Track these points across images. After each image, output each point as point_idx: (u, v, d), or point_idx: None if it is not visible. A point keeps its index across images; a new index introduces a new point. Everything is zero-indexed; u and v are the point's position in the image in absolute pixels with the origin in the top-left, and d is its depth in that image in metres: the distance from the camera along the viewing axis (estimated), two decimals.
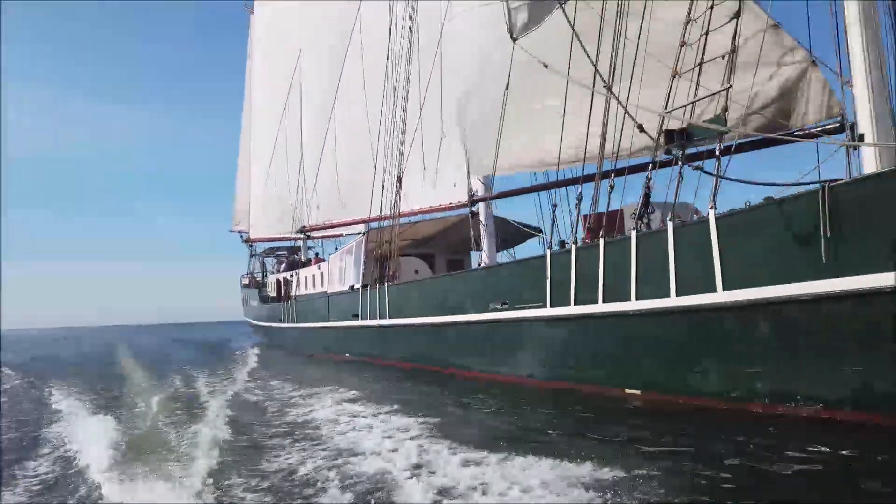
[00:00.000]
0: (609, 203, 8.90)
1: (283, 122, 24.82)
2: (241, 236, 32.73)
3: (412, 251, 18.77)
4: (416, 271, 17.58)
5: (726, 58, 7.34)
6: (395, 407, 8.14)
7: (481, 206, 15.19)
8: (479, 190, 15.15)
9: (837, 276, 5.61)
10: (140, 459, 5.77)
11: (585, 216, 9.69)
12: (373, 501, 4.30)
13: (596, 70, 7.64)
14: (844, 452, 4.90)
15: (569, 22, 7.15)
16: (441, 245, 19.01)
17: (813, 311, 5.88)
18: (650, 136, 7.56)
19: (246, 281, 33.53)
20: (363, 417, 7.58)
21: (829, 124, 8.26)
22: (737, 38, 7.30)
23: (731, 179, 7.24)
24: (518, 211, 42.76)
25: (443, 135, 15.49)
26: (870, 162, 7.41)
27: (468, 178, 14.19)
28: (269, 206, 26.07)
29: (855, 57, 7.71)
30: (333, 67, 20.29)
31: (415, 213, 17.25)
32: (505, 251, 17.24)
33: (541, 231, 13.42)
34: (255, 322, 31.45)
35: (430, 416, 7.39)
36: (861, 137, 7.80)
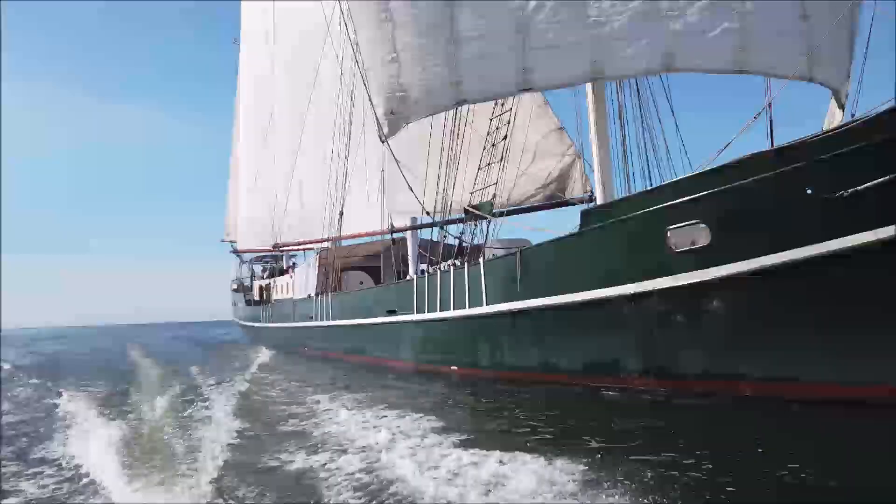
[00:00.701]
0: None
1: (263, 148, 29.28)
2: (232, 246, 37.25)
3: (364, 265, 23.27)
4: (361, 282, 22.10)
5: (499, 162, 11.88)
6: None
7: (408, 233, 19.64)
8: (407, 220, 19.60)
9: (524, 300, 10.15)
10: (147, 457, 6.11)
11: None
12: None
13: (404, 178, 12.22)
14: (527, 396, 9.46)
15: (392, 153, 11.70)
16: (387, 260, 23.43)
17: (517, 318, 10.41)
18: (429, 214, 12.18)
19: (235, 286, 38.15)
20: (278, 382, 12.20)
21: (585, 197, 12.79)
22: (505, 151, 11.84)
23: (471, 244, 11.86)
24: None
25: (382, 164, 19.85)
26: None
27: (383, 210, 18.36)
28: (253, 223, 30.56)
29: (594, 155, 12.26)
30: (301, 99, 24.42)
31: (359, 236, 21.80)
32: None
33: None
34: (242, 322, 36.03)
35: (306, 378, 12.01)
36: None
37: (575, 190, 12.93)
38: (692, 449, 5.31)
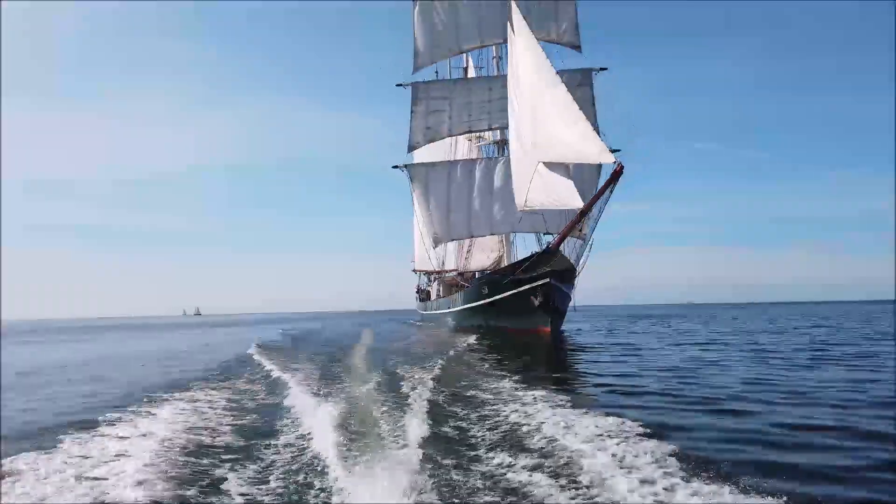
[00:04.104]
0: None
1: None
2: (412, 266, 63.61)
3: (461, 283, 47.01)
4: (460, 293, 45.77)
5: (469, 254, 34.71)
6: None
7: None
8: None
9: (466, 304, 32.91)
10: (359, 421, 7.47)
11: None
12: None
13: (435, 264, 35.56)
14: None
15: (433, 253, 35.27)
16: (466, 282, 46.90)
17: (466, 310, 33.17)
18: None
19: (416, 290, 64.58)
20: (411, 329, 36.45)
21: (507, 268, 34.73)
22: (470, 252, 34.60)
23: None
24: None
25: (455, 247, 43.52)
26: None
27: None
28: (421, 258, 56.01)
29: (506, 252, 34.49)
30: None
31: (453, 271, 45.44)
32: None
33: None
34: (419, 311, 62.22)
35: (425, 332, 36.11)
36: None
37: (503, 264, 34.64)
38: (494, 342, 27.55)
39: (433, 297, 49.65)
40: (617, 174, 20.46)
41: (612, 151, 32.67)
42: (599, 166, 31.70)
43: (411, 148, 35.19)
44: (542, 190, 23.98)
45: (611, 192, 21.38)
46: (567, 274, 27.56)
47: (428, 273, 57.87)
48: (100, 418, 7.91)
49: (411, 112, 34.46)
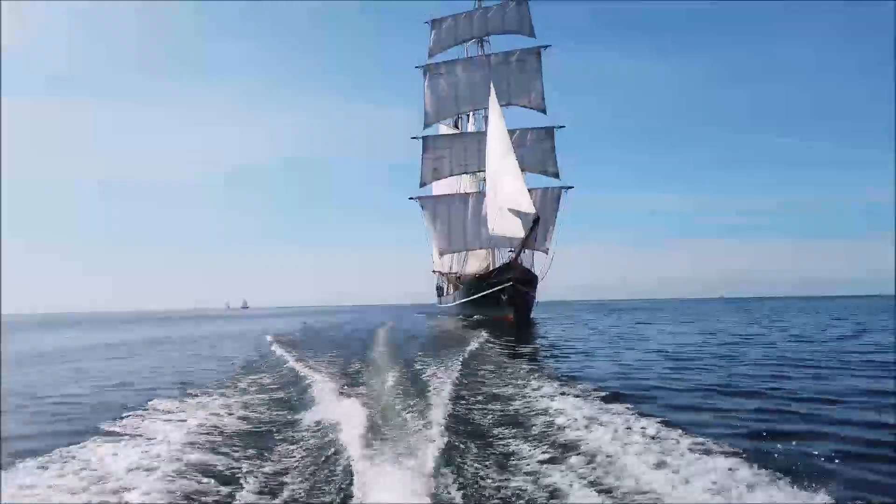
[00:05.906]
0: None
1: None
2: (433, 268, 76.12)
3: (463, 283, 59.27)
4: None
5: (463, 263, 46.89)
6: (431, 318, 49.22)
7: None
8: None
9: (462, 300, 45.03)
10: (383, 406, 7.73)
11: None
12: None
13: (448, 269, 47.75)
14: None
15: (441, 259, 47.57)
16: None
17: (462, 303, 45.28)
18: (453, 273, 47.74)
19: (435, 287, 77.15)
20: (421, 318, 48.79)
21: (493, 272, 46.68)
22: (465, 260, 46.77)
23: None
24: None
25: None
26: None
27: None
28: (437, 261, 68.51)
29: (491, 262, 46.57)
30: None
31: (458, 272, 57.63)
32: None
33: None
34: (437, 305, 74.73)
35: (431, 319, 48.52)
36: None
37: (489, 268, 46.44)
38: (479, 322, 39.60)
39: (445, 293, 62.01)
40: (536, 221, 32.38)
41: (567, 188, 44.90)
42: (558, 200, 43.72)
43: (422, 185, 47.65)
44: (501, 222, 35.96)
45: (535, 232, 33.39)
46: (528, 279, 39.40)
47: (442, 273, 70.43)
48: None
49: (422, 158, 46.85)
